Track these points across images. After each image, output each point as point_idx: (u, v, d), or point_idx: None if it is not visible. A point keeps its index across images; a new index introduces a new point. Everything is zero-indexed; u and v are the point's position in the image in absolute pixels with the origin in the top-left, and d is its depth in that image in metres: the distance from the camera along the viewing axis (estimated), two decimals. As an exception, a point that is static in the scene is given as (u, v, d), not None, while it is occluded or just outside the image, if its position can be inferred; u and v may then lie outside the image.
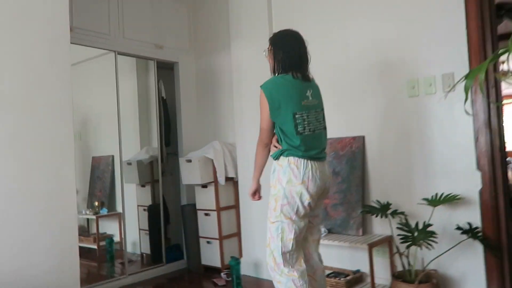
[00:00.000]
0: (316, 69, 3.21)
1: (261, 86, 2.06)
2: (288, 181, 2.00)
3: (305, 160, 2.01)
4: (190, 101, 4.36)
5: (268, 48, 2.19)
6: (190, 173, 3.84)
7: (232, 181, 3.98)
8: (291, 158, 2.01)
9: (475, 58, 2.46)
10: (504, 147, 2.49)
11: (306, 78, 2.12)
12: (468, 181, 2.52)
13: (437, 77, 2.66)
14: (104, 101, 4.04)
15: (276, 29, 3.50)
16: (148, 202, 4.21)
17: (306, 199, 1.99)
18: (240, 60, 3.74)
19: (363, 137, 3.00)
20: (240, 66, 3.74)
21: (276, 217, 2.03)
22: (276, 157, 2.07)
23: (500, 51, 0.64)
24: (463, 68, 2.54)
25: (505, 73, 5.84)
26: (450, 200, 2.47)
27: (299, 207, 2.00)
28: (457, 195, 2.49)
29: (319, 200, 2.12)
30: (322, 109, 2.18)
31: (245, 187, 3.73)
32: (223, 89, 4.18)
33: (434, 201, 2.50)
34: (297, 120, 2.02)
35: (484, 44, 2.47)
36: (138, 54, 3.98)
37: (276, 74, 2.12)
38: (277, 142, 2.10)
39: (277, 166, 2.07)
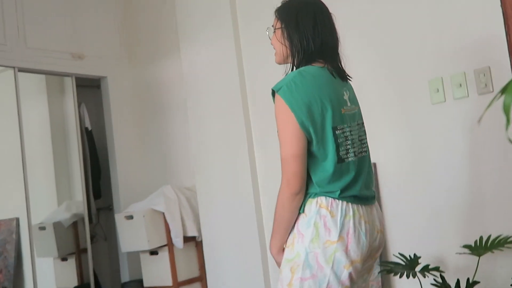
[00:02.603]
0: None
1: (275, 89, 1.86)
2: (313, 239, 1.77)
3: (345, 203, 1.80)
4: (126, 130, 4.37)
5: (275, 26, 1.99)
6: (133, 235, 3.80)
7: (194, 242, 3.96)
8: (323, 200, 1.80)
9: (516, 44, 2.56)
10: None
11: (341, 73, 1.96)
12: (524, 216, 2.57)
13: (468, 74, 2.75)
14: (1, 138, 4.00)
15: (243, 21, 3.65)
16: (73, 282, 4.14)
17: (345, 267, 1.75)
18: (194, 68, 3.80)
19: (374, 165, 3.05)
20: (195, 76, 3.79)
21: None
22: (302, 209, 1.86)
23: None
24: (502, 59, 2.63)
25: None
26: (501, 244, 2.49)
27: (331, 284, 1.75)
28: (510, 237, 2.53)
29: (365, 269, 1.90)
30: (363, 122, 2.06)
31: (214, 249, 3.70)
32: (174, 110, 4.21)
33: (479, 248, 2.51)
34: (339, 138, 1.84)
35: (526, 25, 2.58)
36: (49, 70, 4.01)
37: (291, 68, 1.95)
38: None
39: None
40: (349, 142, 1.86)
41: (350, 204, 1.80)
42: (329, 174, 1.81)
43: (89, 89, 4.49)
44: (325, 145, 1.81)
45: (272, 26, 2.01)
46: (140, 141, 4.42)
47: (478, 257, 2.53)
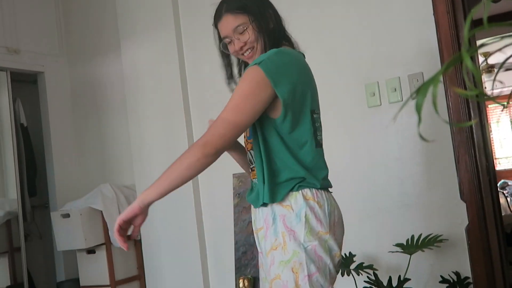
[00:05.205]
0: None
1: (257, 61, 1.72)
2: (308, 232, 1.70)
3: (324, 193, 1.78)
4: (64, 127, 4.30)
5: (248, 20, 1.83)
6: (69, 233, 3.74)
7: (133, 241, 3.93)
8: (307, 192, 1.75)
9: (447, 51, 2.69)
10: (494, 167, 2.71)
11: None
12: (452, 216, 2.69)
13: (402, 79, 2.86)
14: None
15: (185, 19, 3.64)
16: (6, 282, 4.04)
17: (336, 255, 1.76)
18: (134, 66, 3.77)
19: (313, 166, 3.13)
20: (135, 74, 3.77)
21: None
22: (272, 198, 1.75)
23: (453, 57, 0.73)
24: (434, 65, 2.75)
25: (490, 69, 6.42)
26: (431, 243, 2.61)
27: (331, 272, 1.75)
28: (439, 236, 2.65)
29: None
30: None
31: (153, 248, 3.70)
32: (113, 108, 4.17)
33: (411, 247, 2.63)
34: (316, 122, 1.82)
35: (457, 33, 2.71)
36: (-18, 63, 3.89)
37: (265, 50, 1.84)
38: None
39: (279, 212, 1.76)
40: (321, 128, 1.86)
41: (327, 193, 1.80)
42: (308, 160, 1.78)
43: (25, 84, 4.38)
44: (302, 128, 1.77)
45: (247, 21, 1.84)
46: (78, 139, 4.35)
47: (409, 256, 2.64)
